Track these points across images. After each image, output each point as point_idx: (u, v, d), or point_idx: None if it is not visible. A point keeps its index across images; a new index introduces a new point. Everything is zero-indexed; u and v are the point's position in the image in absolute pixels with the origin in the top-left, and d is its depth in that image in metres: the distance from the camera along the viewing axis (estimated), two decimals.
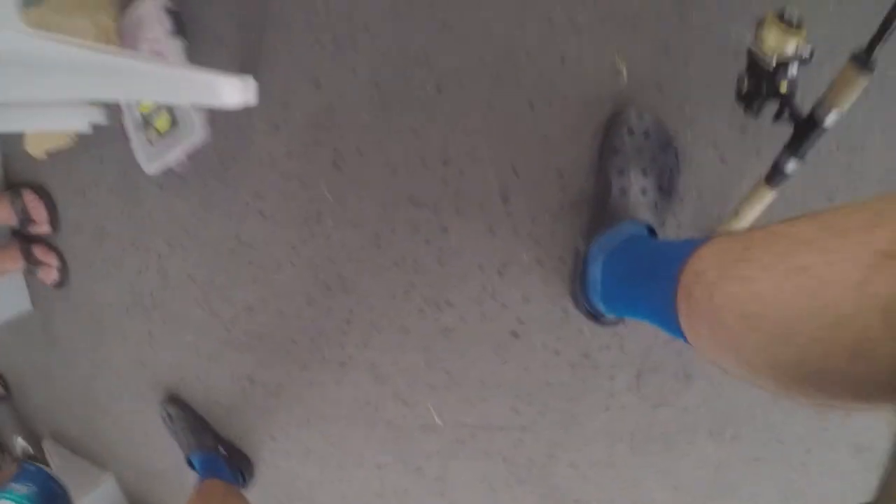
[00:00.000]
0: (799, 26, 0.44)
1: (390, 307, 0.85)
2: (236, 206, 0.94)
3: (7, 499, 0.56)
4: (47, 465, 1.76)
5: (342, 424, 0.98)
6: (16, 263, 1.29)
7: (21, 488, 0.59)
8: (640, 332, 0.76)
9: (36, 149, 1.19)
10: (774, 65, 0.45)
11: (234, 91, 0.78)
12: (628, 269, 0.60)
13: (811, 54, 0.45)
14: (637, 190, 0.65)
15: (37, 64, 0.67)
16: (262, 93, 0.84)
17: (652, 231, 0.63)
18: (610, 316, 0.71)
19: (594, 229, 0.68)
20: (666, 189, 0.68)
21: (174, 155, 0.95)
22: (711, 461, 0.81)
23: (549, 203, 0.74)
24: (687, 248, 0.42)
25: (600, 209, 0.68)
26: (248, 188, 0.92)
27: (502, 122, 0.73)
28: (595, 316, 0.73)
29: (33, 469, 0.64)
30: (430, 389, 0.88)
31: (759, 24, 0.45)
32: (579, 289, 0.71)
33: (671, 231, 0.70)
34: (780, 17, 0.44)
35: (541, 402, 0.83)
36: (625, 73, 0.67)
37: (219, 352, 1.08)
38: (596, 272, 0.65)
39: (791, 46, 0.44)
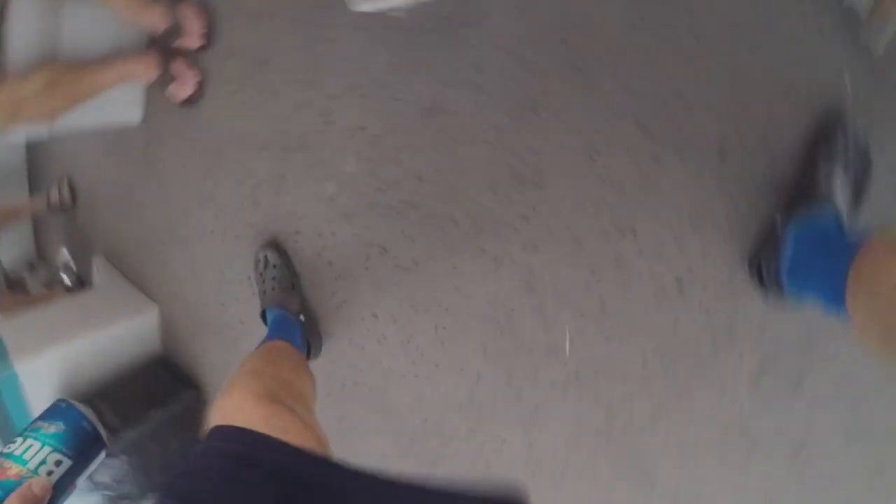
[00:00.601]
0: None
1: (575, 218, 0.85)
2: (449, 70, 0.91)
3: (32, 438, 0.53)
4: (88, 281, 1.52)
5: (463, 322, 0.95)
6: (149, 72, 1.21)
7: (48, 427, 0.56)
8: (784, 324, 0.81)
9: None
10: None
11: None
12: (815, 246, 0.70)
13: None
14: (838, 180, 0.77)
15: None
16: None
17: (840, 219, 0.74)
18: (781, 290, 0.80)
19: (793, 206, 0.79)
20: (856, 192, 0.81)
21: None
22: (778, 477, 0.86)
23: (757, 172, 0.79)
24: (863, 237, 0.57)
25: (803, 189, 0.79)
26: (469, 57, 0.89)
27: (740, 86, 0.78)
28: (767, 286, 0.81)
29: (63, 406, 0.60)
30: (576, 314, 0.87)
31: None
32: (767, 256, 0.80)
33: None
34: None
35: (671, 360, 0.86)
36: (849, 86, 0.78)
37: (360, 211, 1.02)
38: (789, 244, 0.75)
39: None
